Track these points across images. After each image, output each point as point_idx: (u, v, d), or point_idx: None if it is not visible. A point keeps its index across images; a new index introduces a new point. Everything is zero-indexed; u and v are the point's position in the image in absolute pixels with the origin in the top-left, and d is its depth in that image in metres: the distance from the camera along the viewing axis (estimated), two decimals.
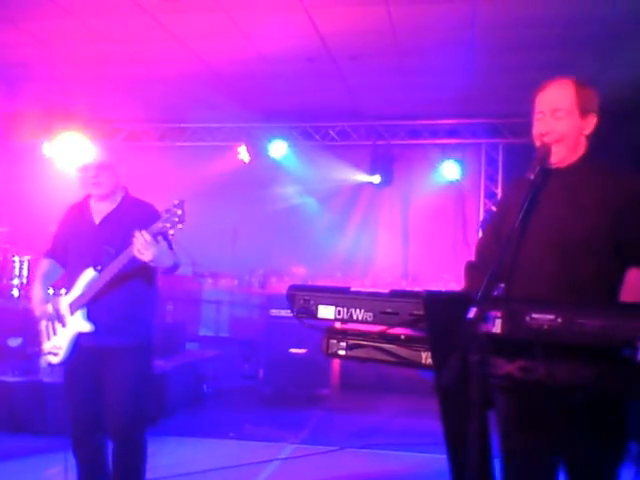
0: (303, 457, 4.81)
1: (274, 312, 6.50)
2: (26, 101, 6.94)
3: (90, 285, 3.14)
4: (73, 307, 3.19)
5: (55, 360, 3.26)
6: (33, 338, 5.97)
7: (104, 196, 3.27)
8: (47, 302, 3.27)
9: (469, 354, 1.73)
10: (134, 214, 3.19)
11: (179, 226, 2.92)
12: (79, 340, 3.19)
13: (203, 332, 8.21)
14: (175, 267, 3.19)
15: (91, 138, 7.59)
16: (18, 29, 5.33)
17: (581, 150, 2.32)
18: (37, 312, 3.29)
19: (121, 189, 3.34)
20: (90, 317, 3.15)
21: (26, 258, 6.44)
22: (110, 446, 3.23)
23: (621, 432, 2.17)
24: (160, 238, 2.93)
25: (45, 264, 3.43)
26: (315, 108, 7.71)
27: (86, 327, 3.16)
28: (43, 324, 3.32)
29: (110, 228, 3.22)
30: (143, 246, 2.86)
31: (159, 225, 2.91)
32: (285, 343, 6.44)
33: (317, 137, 8.32)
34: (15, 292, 6.35)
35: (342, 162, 8.30)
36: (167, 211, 2.91)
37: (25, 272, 6.42)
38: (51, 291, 3.38)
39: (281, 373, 6.47)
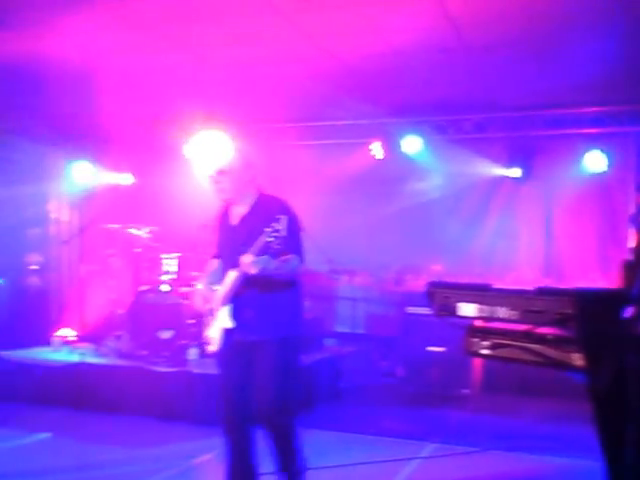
0: (444, 457, 4.74)
1: (411, 309, 6.45)
2: (168, 104, 7.33)
3: (231, 285, 3.34)
4: (221, 304, 3.41)
5: (211, 349, 3.53)
6: (183, 330, 6.37)
7: (233, 200, 3.45)
8: (207, 298, 3.51)
9: (626, 356, 1.62)
10: (266, 213, 3.31)
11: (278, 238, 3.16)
12: (226, 333, 3.42)
13: (339, 328, 8.31)
14: (290, 275, 3.35)
15: (226, 140, 7.95)
16: (156, 33, 5.62)
17: None
18: (198, 306, 3.56)
19: (253, 190, 3.47)
20: (232, 314, 3.38)
21: (175, 255, 6.82)
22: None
23: None
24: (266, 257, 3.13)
25: (212, 264, 3.70)
26: (448, 101, 7.54)
27: (228, 323, 3.40)
28: (206, 316, 3.59)
29: (245, 229, 3.38)
30: (247, 264, 3.12)
31: (262, 240, 3.12)
32: (423, 341, 6.37)
33: (451, 131, 8.12)
34: (166, 288, 6.75)
35: (478, 156, 8.06)
36: (270, 226, 3.14)
37: (175, 269, 6.78)
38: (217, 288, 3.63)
39: (419, 371, 6.41)
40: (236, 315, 3.37)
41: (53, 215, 8.47)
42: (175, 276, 6.75)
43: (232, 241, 3.42)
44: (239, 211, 3.47)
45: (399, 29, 5.46)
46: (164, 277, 6.75)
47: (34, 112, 7.14)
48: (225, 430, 3.45)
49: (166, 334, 6.31)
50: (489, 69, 6.42)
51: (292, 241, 3.32)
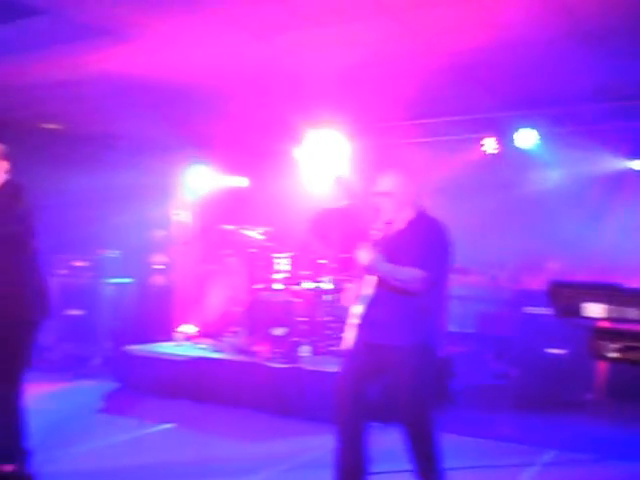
0: (563, 465, 4.56)
1: (528, 309, 6.23)
2: (282, 108, 7.49)
3: (365, 285, 3.47)
4: (354, 303, 3.53)
5: (343, 346, 3.60)
6: (295, 328, 6.49)
7: (392, 220, 3.51)
8: (350, 297, 3.65)
9: None
10: (413, 233, 3.41)
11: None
12: (357, 332, 3.48)
13: (450, 328, 8.14)
14: (404, 285, 3.32)
15: (342, 141, 8.00)
16: (271, 39, 5.75)
17: None
18: (346, 304, 3.70)
19: (414, 210, 3.50)
20: (362, 314, 3.46)
21: (288, 255, 6.97)
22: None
23: None
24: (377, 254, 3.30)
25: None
26: (565, 91, 7.21)
27: (358, 321, 3.46)
28: (346, 315, 3.70)
29: (393, 247, 3.43)
30: (360, 253, 3.28)
31: (372, 237, 3.27)
32: (540, 342, 6.14)
33: (568, 122, 7.77)
34: (279, 286, 6.90)
35: (599, 147, 7.66)
36: (374, 225, 3.26)
37: (288, 268, 6.93)
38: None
39: (537, 374, 6.17)
40: (365, 315, 3.45)
41: (175, 217, 8.90)
42: (288, 275, 6.91)
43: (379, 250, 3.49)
44: (395, 229, 3.52)
45: (509, 21, 5.29)
46: (277, 276, 6.92)
47: (157, 120, 7.53)
48: (337, 427, 3.49)
49: (279, 331, 6.46)
50: (607, 57, 6.09)
51: (417, 253, 3.33)
